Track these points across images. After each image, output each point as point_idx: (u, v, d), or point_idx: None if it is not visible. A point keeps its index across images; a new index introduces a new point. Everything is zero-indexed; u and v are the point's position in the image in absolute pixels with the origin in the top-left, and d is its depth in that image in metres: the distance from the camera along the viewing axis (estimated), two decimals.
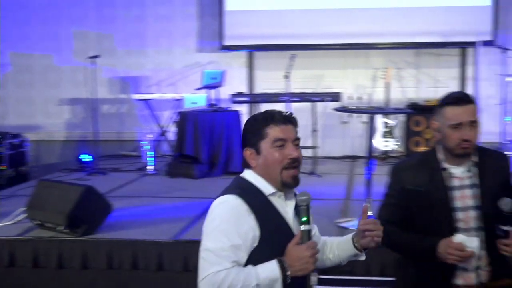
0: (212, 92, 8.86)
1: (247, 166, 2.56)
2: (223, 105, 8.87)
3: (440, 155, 2.98)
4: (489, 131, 8.83)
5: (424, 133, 9.21)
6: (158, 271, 4.96)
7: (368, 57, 9.80)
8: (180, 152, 8.21)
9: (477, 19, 9.24)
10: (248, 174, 2.54)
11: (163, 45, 10.17)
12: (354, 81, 9.81)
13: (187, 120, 8.17)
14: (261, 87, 9.90)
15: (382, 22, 9.49)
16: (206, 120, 8.20)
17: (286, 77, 8.06)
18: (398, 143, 9.09)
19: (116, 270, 4.99)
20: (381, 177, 7.37)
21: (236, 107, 8.87)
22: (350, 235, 2.64)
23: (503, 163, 3.05)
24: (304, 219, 2.39)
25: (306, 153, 8.82)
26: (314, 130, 8.43)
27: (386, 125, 8.97)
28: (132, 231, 5.33)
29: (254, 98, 9.21)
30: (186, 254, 4.92)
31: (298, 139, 2.50)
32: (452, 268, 2.89)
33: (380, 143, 8.94)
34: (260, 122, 2.49)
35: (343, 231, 5.30)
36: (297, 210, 2.46)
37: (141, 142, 8.79)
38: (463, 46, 9.50)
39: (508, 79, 8.62)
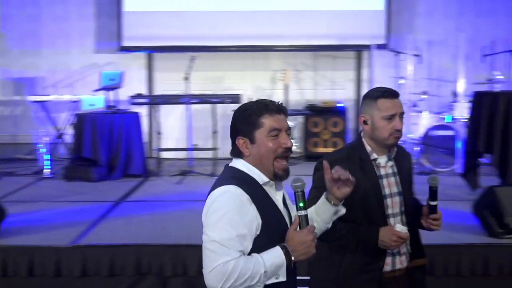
0: (111, 94, 8.70)
1: (237, 155, 2.53)
2: (122, 106, 8.72)
3: (368, 147, 3.11)
4: None
5: (322, 134, 9.41)
6: (56, 277, 4.81)
7: (267, 59, 9.90)
8: (77, 155, 8.02)
9: (371, 23, 9.53)
10: (240, 164, 2.52)
11: (60, 46, 9.90)
12: (253, 83, 9.90)
13: (85, 122, 7.99)
14: (160, 89, 9.82)
15: (281, 25, 9.62)
16: (104, 122, 8.04)
17: (186, 78, 8.03)
18: (297, 144, 9.24)
19: (12, 277, 4.80)
20: None
21: (135, 108, 8.74)
22: (323, 197, 2.67)
23: (408, 155, 3.30)
24: (301, 204, 2.42)
25: (206, 154, 8.87)
26: (214, 132, 8.43)
27: None
28: (28, 237, 5.15)
29: (153, 100, 9.12)
30: (85, 259, 4.80)
31: (289, 128, 2.53)
32: (383, 255, 3.06)
33: None
34: (254, 111, 2.47)
35: None
36: (294, 195, 2.46)
37: (37, 145, 8.52)
38: (359, 49, 9.77)
39: (401, 81, 8.93)
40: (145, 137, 9.04)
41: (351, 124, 9.75)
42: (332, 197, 2.63)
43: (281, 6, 9.63)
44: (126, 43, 9.66)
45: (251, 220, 2.36)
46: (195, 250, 4.84)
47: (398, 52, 9.04)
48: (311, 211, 2.67)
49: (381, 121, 3.04)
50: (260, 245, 2.37)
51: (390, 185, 3.10)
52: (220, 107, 8.94)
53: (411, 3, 9.69)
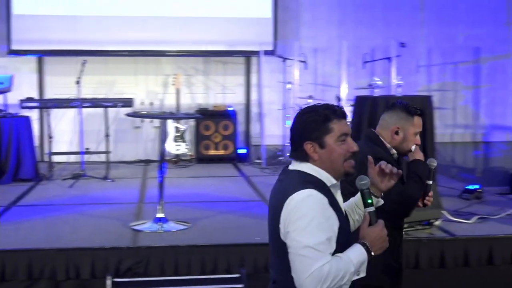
0: (0, 98, 8.39)
1: (303, 159, 2.49)
2: (11, 110, 8.43)
3: (388, 145, 3.39)
4: (273, 134, 9.33)
5: (213, 137, 9.49)
6: None
7: (159, 64, 9.87)
8: None
9: (260, 30, 9.69)
10: (307, 168, 2.48)
11: None
12: (145, 87, 9.83)
13: None
14: (52, 93, 9.55)
15: (172, 31, 9.61)
16: None
17: (78, 82, 7.88)
18: (189, 147, 9.26)
19: None
20: (173, 180, 7.49)
21: (26, 112, 8.48)
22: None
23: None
24: (369, 201, 2.44)
25: (98, 158, 8.73)
26: (107, 135, 8.31)
27: (177, 129, 9.11)
28: None
29: (44, 104, 8.88)
30: None
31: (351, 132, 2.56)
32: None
33: (172, 147, 9.05)
34: (324, 117, 2.45)
35: (137, 233, 5.30)
36: (361, 193, 2.49)
37: None
38: (248, 55, 9.91)
39: (288, 86, 9.15)
40: (36, 141, 8.79)
41: (240, 127, 9.88)
42: (375, 190, 2.63)
43: (172, 13, 9.61)
44: (16, 46, 9.34)
45: (333, 223, 2.36)
46: (87, 253, 4.80)
47: (285, 58, 9.26)
48: (351, 204, 2.72)
49: (413, 136, 3.37)
50: (336, 248, 2.36)
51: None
52: (112, 111, 8.82)
53: (296, 12, 9.93)
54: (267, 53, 9.41)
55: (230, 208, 6.36)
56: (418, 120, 3.39)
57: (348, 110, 8.09)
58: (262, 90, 9.60)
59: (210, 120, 9.48)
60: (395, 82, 7.52)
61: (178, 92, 9.20)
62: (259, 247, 4.89)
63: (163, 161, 5.80)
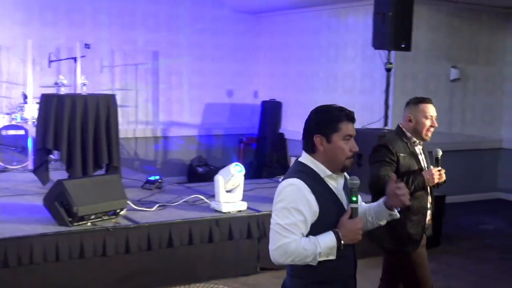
0: None
1: (309, 150, 2.75)
2: None
3: (408, 133, 4.03)
4: None
5: None
6: None
7: None
8: None
9: None
10: (306, 159, 2.76)
11: None
12: None
13: None
14: None
15: None
16: None
17: None
18: None
19: None
20: None
21: None
22: (381, 200, 2.87)
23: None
24: (354, 198, 2.67)
25: None
26: None
27: None
28: None
29: None
30: None
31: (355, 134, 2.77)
32: (426, 208, 4.03)
33: None
34: (335, 116, 2.69)
35: None
36: (347, 190, 2.74)
37: None
38: None
39: None
40: None
41: None
42: (388, 202, 2.84)
43: None
44: None
45: (309, 208, 2.61)
46: None
47: None
48: (370, 208, 2.93)
49: (423, 119, 3.99)
50: (318, 229, 2.63)
51: (424, 161, 4.07)
52: None
53: None
54: None
55: None
56: (424, 107, 4.03)
57: (35, 107, 7.85)
58: None
59: None
60: (80, 81, 7.49)
61: None
62: None
63: None
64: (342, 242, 2.63)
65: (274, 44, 11.20)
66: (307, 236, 2.63)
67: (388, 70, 7.33)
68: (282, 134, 10.85)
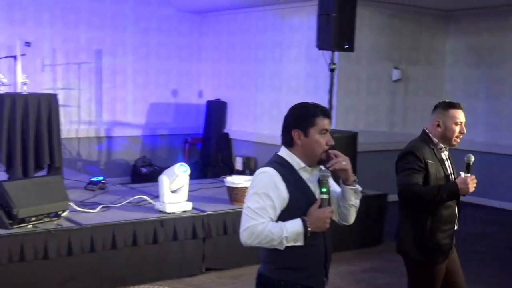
0: None
1: (287, 144, 2.90)
2: None
3: (435, 139, 3.89)
4: None
5: None
6: None
7: None
8: None
9: None
10: (283, 152, 2.91)
11: None
12: None
13: None
14: None
15: None
16: None
17: None
18: None
19: None
20: None
21: None
22: (341, 184, 2.97)
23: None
24: (324, 190, 2.81)
25: None
26: None
27: None
28: None
29: None
30: None
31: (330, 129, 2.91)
32: (456, 217, 3.91)
33: None
34: (312, 112, 2.85)
35: None
36: (319, 182, 2.85)
37: None
38: None
39: None
40: None
41: None
42: (343, 180, 2.93)
43: None
44: None
45: (279, 195, 2.77)
46: None
47: None
48: (338, 196, 3.00)
49: (452, 125, 3.84)
50: (289, 217, 2.77)
51: (450, 168, 3.94)
52: None
53: None
54: None
55: None
56: (454, 112, 3.85)
57: None
58: None
59: None
60: (20, 81, 7.31)
61: None
62: None
63: None
64: (309, 229, 2.76)
65: (219, 43, 11.21)
66: (276, 222, 2.78)
67: (332, 71, 7.42)
68: (227, 134, 10.86)
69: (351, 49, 7.43)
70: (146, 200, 6.30)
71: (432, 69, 10.22)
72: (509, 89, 9.56)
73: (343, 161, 2.86)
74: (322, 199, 2.81)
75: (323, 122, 2.85)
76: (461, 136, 3.90)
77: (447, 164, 3.93)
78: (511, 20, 9.48)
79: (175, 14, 11.11)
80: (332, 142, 2.87)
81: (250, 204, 2.79)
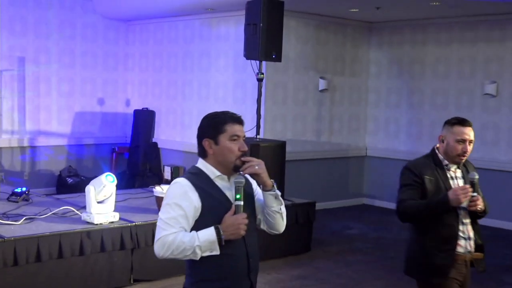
0: None
1: (201, 154, 2.90)
2: None
3: (441, 156, 3.78)
4: None
5: None
6: None
7: None
8: None
9: None
10: (199, 163, 2.90)
11: None
12: None
13: None
14: None
15: None
16: None
17: None
18: None
19: None
20: None
21: None
22: (261, 192, 2.95)
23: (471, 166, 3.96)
24: (238, 196, 2.78)
25: None
26: None
27: None
28: None
29: None
30: None
31: (245, 136, 2.88)
32: (456, 238, 3.67)
33: None
34: (220, 119, 2.84)
35: None
36: (235, 189, 2.80)
37: None
38: None
39: None
40: None
41: None
42: (263, 187, 2.91)
43: None
44: None
45: (190, 204, 2.74)
46: None
47: None
48: (262, 204, 2.96)
49: (455, 142, 3.70)
50: (203, 225, 2.74)
51: (457, 185, 3.72)
52: None
53: None
54: None
55: None
56: (457, 129, 3.72)
57: None
58: None
59: None
60: None
61: None
62: None
63: None
64: (223, 237, 2.71)
65: (146, 52, 11.12)
66: (191, 231, 2.75)
67: (260, 80, 7.50)
68: (155, 143, 10.77)
69: (278, 59, 7.53)
70: (72, 211, 6.17)
71: (356, 79, 10.48)
72: (429, 100, 9.91)
73: (256, 165, 2.83)
74: (236, 205, 2.78)
75: (232, 128, 2.83)
76: (466, 155, 3.73)
77: (453, 182, 3.75)
78: (431, 33, 9.85)
79: (100, 22, 10.95)
80: (245, 148, 2.85)
81: (162, 215, 2.77)
